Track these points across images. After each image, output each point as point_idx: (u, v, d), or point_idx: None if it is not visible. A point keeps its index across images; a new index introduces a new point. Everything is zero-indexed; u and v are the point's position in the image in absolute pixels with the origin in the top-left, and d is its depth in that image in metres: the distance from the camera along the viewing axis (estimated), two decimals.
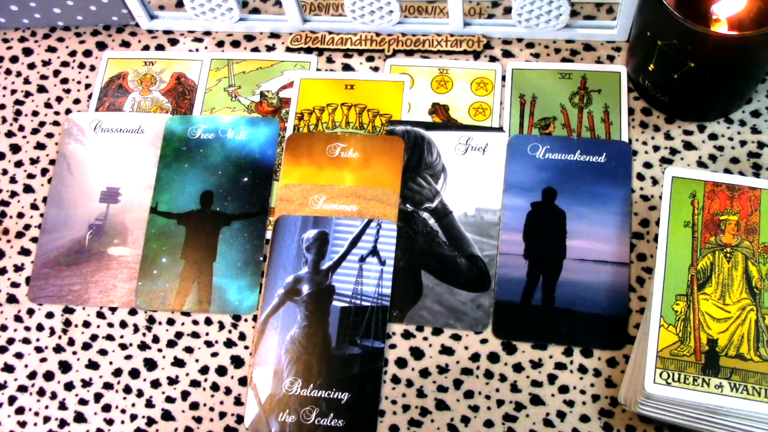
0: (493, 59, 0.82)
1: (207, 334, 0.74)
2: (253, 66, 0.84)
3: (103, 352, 0.74)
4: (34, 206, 0.81)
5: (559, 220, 0.73)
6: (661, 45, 0.68)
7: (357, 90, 0.81)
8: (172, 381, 0.73)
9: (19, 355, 0.75)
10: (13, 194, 0.81)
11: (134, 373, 0.73)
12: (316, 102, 0.81)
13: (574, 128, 0.77)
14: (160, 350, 0.74)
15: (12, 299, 0.77)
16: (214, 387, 0.72)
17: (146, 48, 0.87)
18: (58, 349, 0.75)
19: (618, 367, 0.69)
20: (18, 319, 0.76)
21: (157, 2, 0.89)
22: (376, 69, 0.83)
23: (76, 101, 0.85)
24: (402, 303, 0.72)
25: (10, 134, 0.84)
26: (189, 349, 0.73)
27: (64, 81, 0.86)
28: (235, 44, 0.86)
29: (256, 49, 0.86)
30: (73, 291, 0.76)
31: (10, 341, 0.76)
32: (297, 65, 0.84)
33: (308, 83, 0.82)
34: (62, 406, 0.73)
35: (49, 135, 0.84)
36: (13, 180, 0.82)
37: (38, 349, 0.75)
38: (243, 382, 0.72)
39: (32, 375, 0.74)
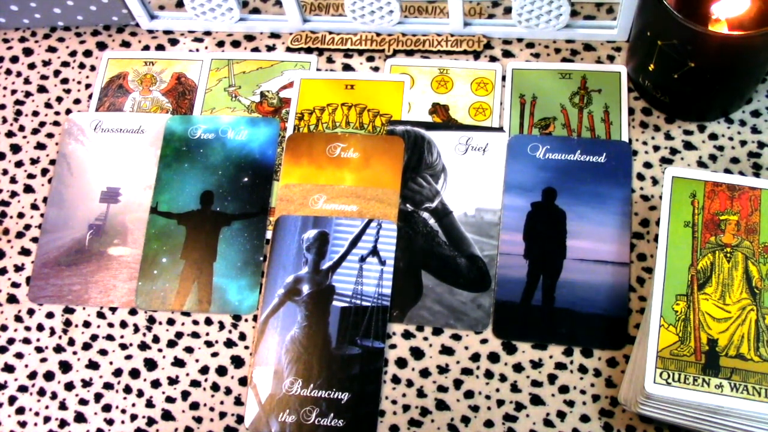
0: (493, 59, 0.82)
1: (207, 334, 0.74)
2: (254, 66, 0.84)
3: (103, 352, 0.74)
4: (34, 206, 0.81)
5: (559, 220, 0.73)
6: (661, 45, 0.68)
7: (357, 90, 0.81)
8: (173, 381, 0.73)
9: (19, 355, 0.75)
10: (14, 194, 0.81)
11: (134, 373, 0.73)
12: (316, 102, 0.81)
13: (574, 128, 0.77)
14: (160, 350, 0.74)
15: (12, 299, 0.77)
16: (215, 387, 0.72)
17: (146, 48, 0.87)
18: (59, 349, 0.75)
19: (618, 367, 0.69)
20: (18, 319, 0.76)
21: (157, 2, 0.89)
22: (376, 69, 0.83)
23: (77, 101, 0.85)
24: (402, 303, 0.72)
25: (10, 134, 0.84)
26: (189, 349, 0.73)
27: (65, 81, 0.86)
28: (236, 44, 0.86)
29: (256, 49, 0.86)
30: (74, 291, 0.76)
31: (11, 341, 0.76)
32: (297, 65, 0.84)
33: (308, 83, 0.82)
34: (62, 406, 0.73)
35: (50, 135, 0.84)
36: (13, 180, 0.82)
37: (38, 349, 0.75)
38: (243, 382, 0.72)
39: (32, 375, 0.74)
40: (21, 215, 0.80)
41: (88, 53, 0.87)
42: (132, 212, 0.78)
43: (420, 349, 0.71)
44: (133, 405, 0.72)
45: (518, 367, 0.70)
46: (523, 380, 0.69)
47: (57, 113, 0.85)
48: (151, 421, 0.72)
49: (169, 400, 0.72)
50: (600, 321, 0.70)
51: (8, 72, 0.87)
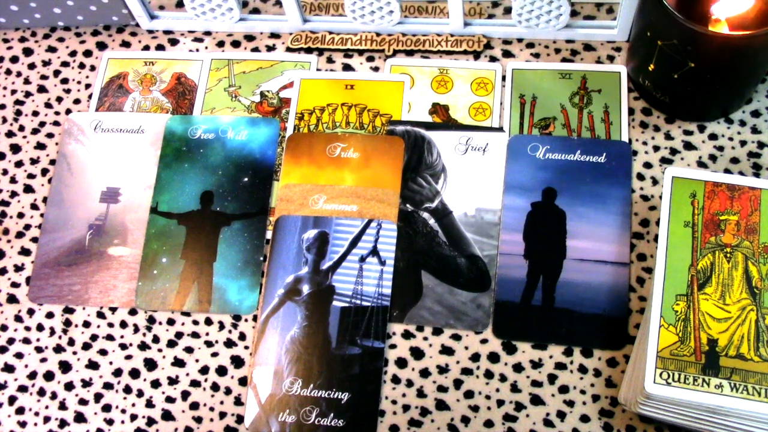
0: (493, 59, 0.82)
1: (207, 334, 0.74)
2: (254, 66, 0.84)
3: (103, 352, 0.74)
4: (34, 206, 0.81)
5: (559, 220, 0.73)
6: (661, 45, 0.68)
7: (357, 90, 0.81)
8: (173, 381, 0.73)
9: (19, 355, 0.75)
10: (14, 194, 0.81)
11: (134, 373, 0.73)
12: (316, 102, 0.81)
13: (574, 128, 0.77)
14: (160, 350, 0.74)
15: (12, 299, 0.77)
16: (215, 387, 0.72)
17: (146, 48, 0.87)
18: (58, 349, 0.75)
19: (618, 367, 0.69)
20: (18, 319, 0.76)
21: (157, 2, 0.89)
22: (376, 69, 0.83)
23: (77, 101, 0.85)
24: (402, 303, 0.72)
25: (10, 134, 0.84)
26: (189, 349, 0.73)
27: (65, 81, 0.86)
28: (236, 44, 0.86)
29: (256, 49, 0.86)
30: (73, 291, 0.76)
31: (11, 341, 0.76)
32: (297, 65, 0.84)
33: (308, 83, 0.82)
34: (62, 406, 0.73)
35: (50, 135, 0.84)
36: (13, 180, 0.82)
37: (38, 349, 0.75)
38: (243, 382, 0.72)
39: (32, 375, 0.74)
40: (21, 215, 0.80)
41: (88, 53, 0.87)
42: (132, 212, 0.78)
43: (420, 349, 0.71)
44: (133, 405, 0.72)
45: (518, 367, 0.70)
46: (523, 380, 0.69)
47: (57, 113, 0.85)
48: (151, 421, 0.72)
49: (169, 400, 0.72)
50: (600, 321, 0.70)
51: (8, 72, 0.87)
